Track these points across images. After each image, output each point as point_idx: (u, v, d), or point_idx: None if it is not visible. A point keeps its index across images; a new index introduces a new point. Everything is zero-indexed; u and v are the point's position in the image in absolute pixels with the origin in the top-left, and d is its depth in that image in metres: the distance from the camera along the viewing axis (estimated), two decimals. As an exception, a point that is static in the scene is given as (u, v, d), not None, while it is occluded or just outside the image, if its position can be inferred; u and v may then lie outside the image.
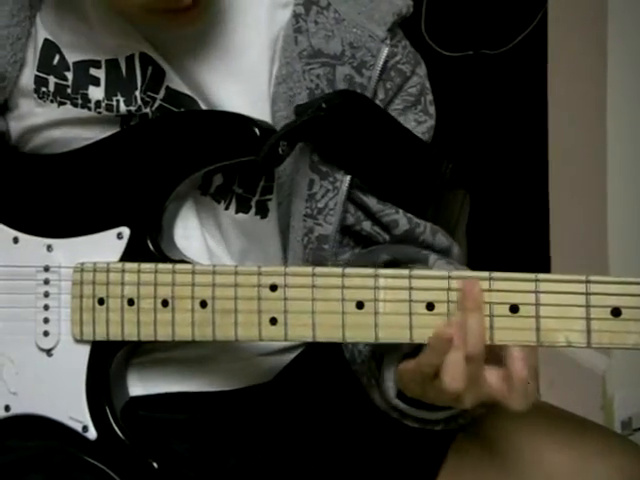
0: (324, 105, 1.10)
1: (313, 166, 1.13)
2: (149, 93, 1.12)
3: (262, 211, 1.16)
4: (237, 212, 1.16)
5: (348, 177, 1.13)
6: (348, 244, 1.18)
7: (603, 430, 1.16)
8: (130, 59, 1.13)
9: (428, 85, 1.21)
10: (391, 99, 1.16)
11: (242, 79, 1.13)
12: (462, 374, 0.94)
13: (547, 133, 2.14)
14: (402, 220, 1.16)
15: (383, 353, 1.07)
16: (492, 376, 0.96)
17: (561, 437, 1.11)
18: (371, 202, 1.16)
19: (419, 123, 1.18)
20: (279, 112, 1.12)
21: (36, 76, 1.14)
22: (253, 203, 1.16)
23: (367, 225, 1.17)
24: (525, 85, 2.35)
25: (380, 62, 1.13)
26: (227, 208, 1.16)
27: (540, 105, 2.15)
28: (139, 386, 1.18)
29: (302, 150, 1.13)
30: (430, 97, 1.20)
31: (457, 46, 2.40)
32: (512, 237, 2.43)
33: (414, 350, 1.01)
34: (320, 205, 1.13)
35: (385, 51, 1.13)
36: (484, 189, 2.39)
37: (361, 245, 1.19)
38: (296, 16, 1.14)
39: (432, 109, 1.20)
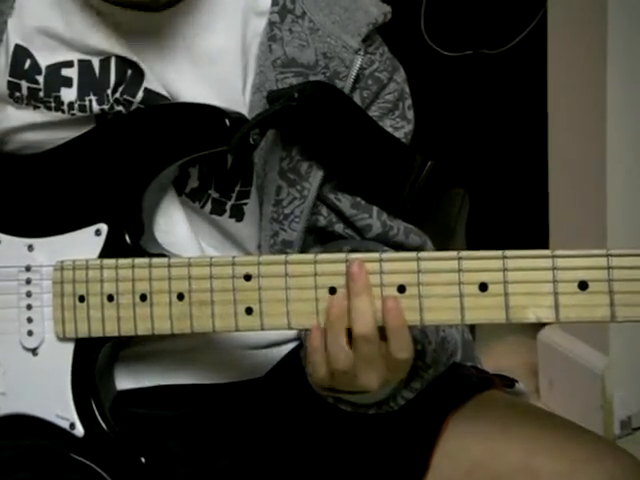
0: (296, 95, 1.10)
1: (282, 173, 1.14)
2: (126, 96, 1.13)
3: (237, 214, 1.17)
4: (211, 213, 1.17)
5: (316, 185, 1.14)
6: (315, 241, 1.19)
7: (593, 436, 1.13)
8: (106, 61, 1.13)
9: (407, 90, 1.20)
10: (367, 106, 1.16)
11: (216, 86, 1.13)
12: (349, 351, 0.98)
13: (547, 133, 2.14)
14: (375, 224, 1.16)
15: None
16: None
17: (550, 442, 1.09)
18: (344, 206, 1.16)
19: (396, 129, 1.18)
20: None
21: (9, 82, 1.15)
22: (228, 207, 1.16)
23: (339, 227, 1.18)
24: (525, 85, 2.35)
25: (353, 73, 1.14)
26: (202, 207, 1.17)
27: (540, 105, 2.15)
28: (129, 379, 1.19)
29: (272, 156, 1.14)
30: (409, 102, 1.20)
31: (456, 46, 2.40)
32: (512, 236, 2.42)
33: None
34: (287, 211, 1.15)
35: (358, 62, 1.13)
36: (484, 188, 2.38)
37: (327, 241, 1.19)
38: (271, 24, 1.14)
39: (411, 114, 1.20)
